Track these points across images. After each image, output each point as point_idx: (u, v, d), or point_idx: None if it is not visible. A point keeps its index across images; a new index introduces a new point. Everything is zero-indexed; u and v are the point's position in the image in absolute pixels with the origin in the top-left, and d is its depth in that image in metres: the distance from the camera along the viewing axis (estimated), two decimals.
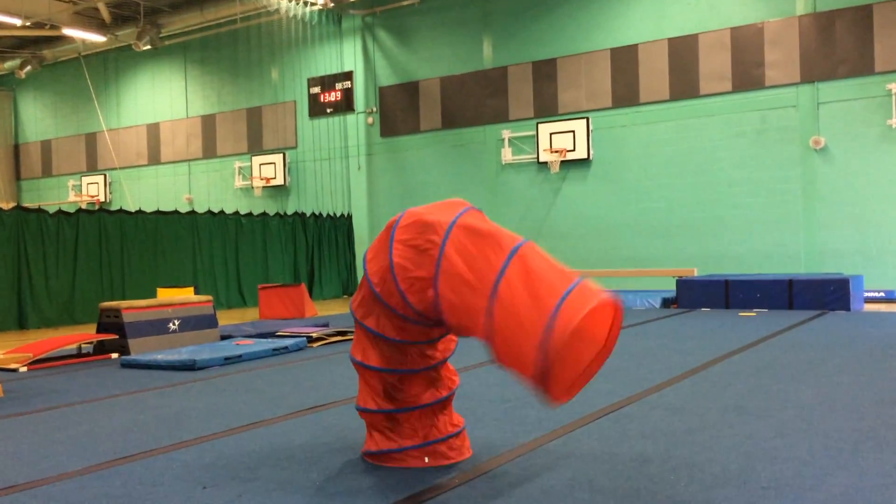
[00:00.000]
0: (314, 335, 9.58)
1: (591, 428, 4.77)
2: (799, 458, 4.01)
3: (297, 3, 19.34)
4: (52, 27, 21.69)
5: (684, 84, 16.31)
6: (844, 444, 4.26)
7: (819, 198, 15.08)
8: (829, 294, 12.17)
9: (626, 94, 16.96)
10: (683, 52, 16.29)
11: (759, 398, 5.52)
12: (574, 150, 17.24)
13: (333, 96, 20.75)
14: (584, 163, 17.39)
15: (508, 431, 4.72)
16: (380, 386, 4.04)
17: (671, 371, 6.79)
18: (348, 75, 20.42)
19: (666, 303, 13.67)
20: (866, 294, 13.45)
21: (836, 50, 14.90)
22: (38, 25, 21.64)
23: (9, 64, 25.67)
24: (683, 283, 13.52)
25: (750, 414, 5.03)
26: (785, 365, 6.97)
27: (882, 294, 13.70)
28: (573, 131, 17.26)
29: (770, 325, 10.18)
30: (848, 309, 11.99)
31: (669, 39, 16.41)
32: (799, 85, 15.23)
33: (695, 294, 13.28)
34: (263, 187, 22.03)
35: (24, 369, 8.11)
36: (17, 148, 28.50)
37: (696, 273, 14.77)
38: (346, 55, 20.55)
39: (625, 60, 16.94)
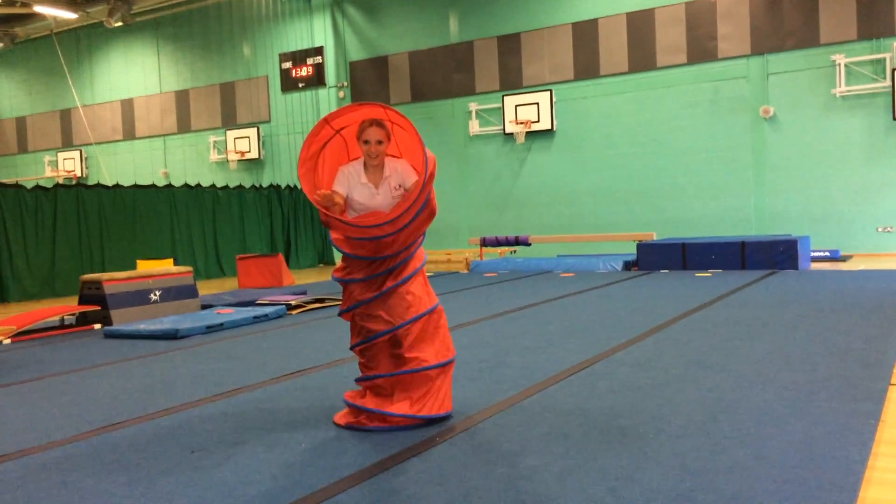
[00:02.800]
0: (293, 303, 9.51)
1: (563, 385, 4.79)
2: (758, 408, 4.06)
3: None
4: (23, 4, 21.02)
5: (642, 57, 16.30)
6: (800, 394, 4.32)
7: (768, 164, 15.25)
8: (779, 254, 12.34)
9: (587, 66, 16.92)
10: (641, 25, 16.25)
11: (718, 354, 5.59)
12: (538, 121, 17.20)
13: (305, 71, 20.45)
14: (548, 133, 17.36)
15: (485, 390, 4.72)
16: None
17: (635, 330, 6.84)
18: (319, 50, 20.12)
19: (627, 266, 13.77)
20: (813, 254, 13.68)
21: (783, 23, 14.97)
22: (9, 3, 20.97)
23: None
24: (643, 247, 13.62)
25: (710, 369, 5.09)
26: (740, 322, 7.06)
27: (827, 254, 13.92)
28: (537, 103, 17.21)
29: (725, 285, 10.31)
30: (796, 268, 12.18)
31: (628, 14, 16.36)
32: (749, 57, 15.31)
33: (654, 257, 13.38)
34: (238, 161, 21.73)
35: (7, 341, 7.95)
36: None
37: (654, 237, 14.88)
38: (317, 31, 20.22)
39: (585, 34, 16.87)
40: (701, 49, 15.72)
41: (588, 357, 5.65)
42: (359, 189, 4.12)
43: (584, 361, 5.50)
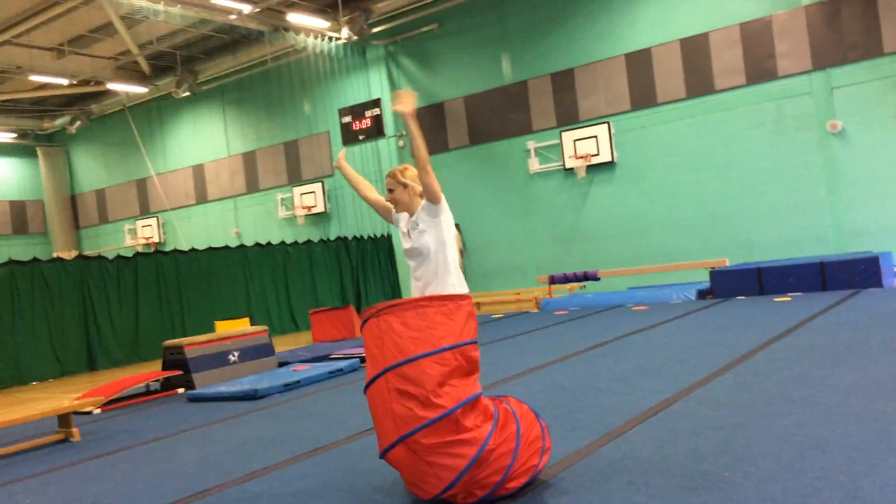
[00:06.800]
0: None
1: (643, 428, 4.70)
2: (850, 444, 3.91)
3: (323, 39, 19.52)
4: (97, 83, 22.19)
5: (699, 81, 16.12)
6: (893, 427, 4.14)
7: (841, 180, 14.78)
8: (861, 273, 11.89)
9: (643, 96, 16.81)
10: (695, 50, 16.11)
11: (803, 385, 5.40)
12: (598, 154, 17.12)
13: (364, 123, 20.87)
14: (608, 166, 17.26)
15: (562, 437, 4.66)
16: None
17: (714, 364, 6.67)
18: (376, 102, 20.53)
19: (701, 294, 13.48)
20: None
21: (844, 35, 14.62)
22: (83, 83, 22.16)
23: (59, 121, 26.33)
24: (717, 274, 13.31)
25: (796, 402, 4.92)
26: (825, 349, 6.81)
27: None
28: (595, 136, 17.15)
29: (806, 309, 9.98)
30: (880, 286, 11.70)
31: (681, 40, 16.24)
32: (811, 72, 14.96)
33: (729, 283, 13.06)
34: (306, 216, 22.22)
35: (97, 411, 8.25)
36: (73, 199, 29.16)
37: (728, 263, 14.54)
38: (373, 84, 20.68)
39: (639, 64, 16.80)
40: (760, 69, 15.46)
41: (666, 397, 5.54)
42: (401, 232, 4.31)
43: (663, 402, 5.38)
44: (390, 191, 4.24)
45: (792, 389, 5.31)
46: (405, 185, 4.22)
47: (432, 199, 4.09)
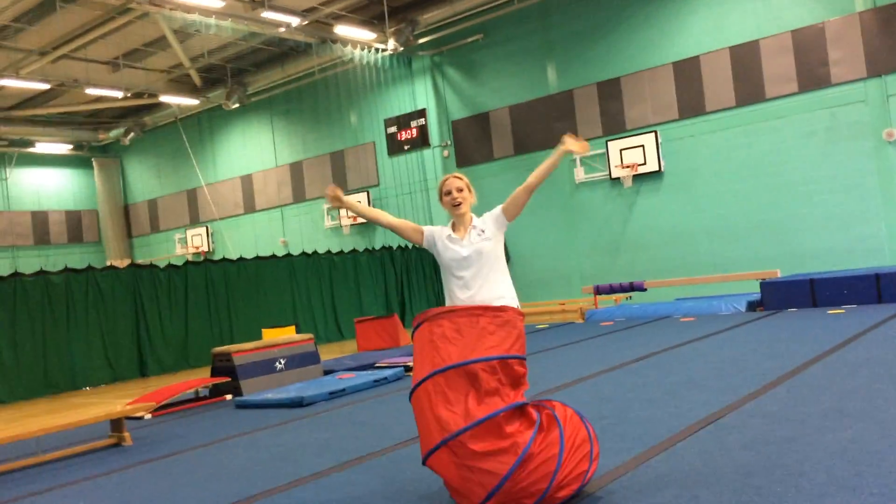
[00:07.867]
0: (410, 364, 9.61)
1: (691, 441, 4.62)
2: None
3: (369, 51, 19.72)
4: (150, 96, 22.73)
5: (749, 89, 15.87)
6: None
7: None
8: None
9: (691, 104, 16.62)
10: (746, 58, 15.87)
11: (858, 399, 5.26)
12: (645, 163, 16.96)
13: (409, 134, 21.01)
14: (656, 175, 17.07)
15: (608, 449, 4.61)
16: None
17: (765, 377, 6.54)
18: (422, 113, 20.65)
19: (751, 306, 13.22)
20: None
21: None
22: (137, 95, 22.71)
23: (114, 133, 27.00)
24: (768, 285, 13.04)
25: (851, 417, 4.79)
26: (881, 362, 6.63)
27: None
28: (642, 145, 16.99)
29: (861, 322, 9.72)
30: None
31: (731, 48, 16.02)
32: (866, 80, 14.63)
33: (780, 295, 12.79)
34: (351, 225, 22.40)
35: (149, 416, 8.41)
36: (126, 208, 29.87)
37: (779, 274, 14.25)
38: (419, 94, 20.80)
39: (688, 72, 16.62)
40: (812, 76, 15.16)
41: (716, 409, 5.44)
42: (445, 243, 4.14)
43: (712, 414, 5.29)
44: (460, 190, 4.16)
45: (847, 403, 5.18)
46: (471, 191, 4.24)
47: (511, 216, 4.16)
